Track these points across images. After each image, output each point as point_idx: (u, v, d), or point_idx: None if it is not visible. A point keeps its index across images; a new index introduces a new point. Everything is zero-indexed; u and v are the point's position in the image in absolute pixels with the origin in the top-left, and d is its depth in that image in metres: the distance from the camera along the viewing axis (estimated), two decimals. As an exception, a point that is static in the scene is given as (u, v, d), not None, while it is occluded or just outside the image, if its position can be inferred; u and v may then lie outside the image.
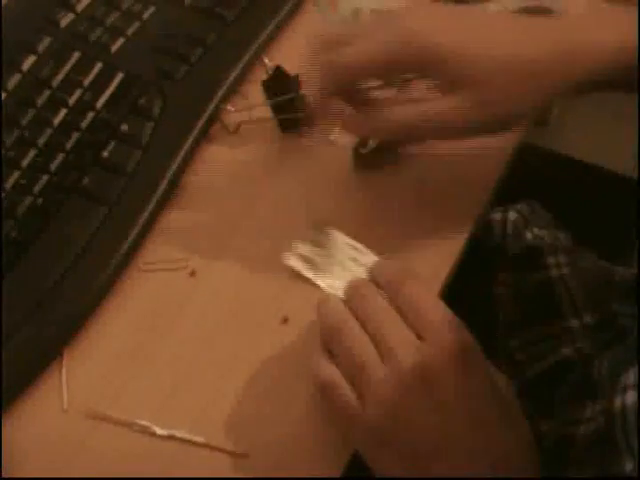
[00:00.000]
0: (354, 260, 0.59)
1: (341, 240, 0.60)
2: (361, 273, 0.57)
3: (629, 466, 0.41)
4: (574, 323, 0.56)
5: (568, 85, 0.52)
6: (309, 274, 0.60)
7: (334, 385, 0.51)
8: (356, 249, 0.60)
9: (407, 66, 0.54)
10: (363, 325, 0.51)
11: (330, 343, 0.52)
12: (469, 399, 0.47)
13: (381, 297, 0.52)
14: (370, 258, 0.59)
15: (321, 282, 0.59)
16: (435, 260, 0.60)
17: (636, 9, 0.53)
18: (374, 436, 0.49)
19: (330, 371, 0.51)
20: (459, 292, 0.58)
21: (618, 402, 0.44)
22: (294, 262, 0.60)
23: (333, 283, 0.59)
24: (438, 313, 0.49)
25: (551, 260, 0.60)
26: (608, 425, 0.44)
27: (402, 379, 0.47)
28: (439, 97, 0.53)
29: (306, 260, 0.60)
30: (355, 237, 0.62)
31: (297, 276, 0.61)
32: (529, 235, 0.62)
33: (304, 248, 0.61)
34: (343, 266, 0.59)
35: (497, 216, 0.67)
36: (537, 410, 0.55)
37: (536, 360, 0.57)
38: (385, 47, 0.53)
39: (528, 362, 0.57)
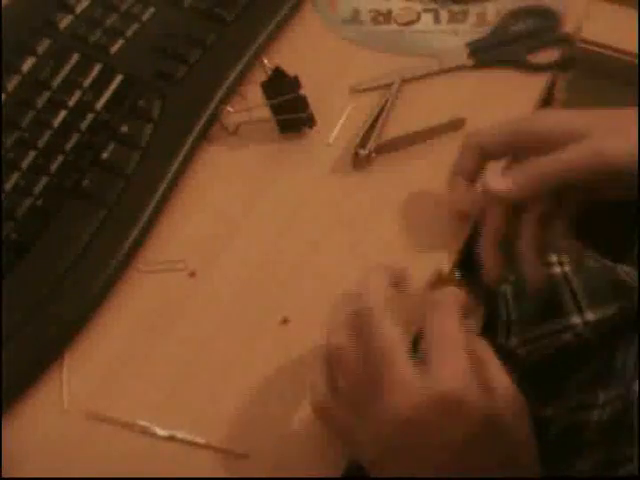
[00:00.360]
0: None
1: None
2: None
3: None
4: (576, 320, 0.56)
5: None
6: None
7: (328, 411, 0.51)
8: None
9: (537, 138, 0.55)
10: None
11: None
12: (447, 451, 0.46)
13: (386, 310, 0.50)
14: None
15: None
16: (435, 259, 0.60)
17: None
18: (373, 456, 0.49)
19: (323, 397, 0.51)
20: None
21: (636, 388, 0.44)
22: None
23: None
24: (454, 359, 0.47)
25: (553, 258, 0.59)
26: (624, 410, 0.44)
27: (392, 420, 0.47)
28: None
29: None
30: (355, 237, 0.63)
31: (296, 276, 0.62)
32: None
33: None
34: None
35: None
36: (539, 396, 0.55)
37: (537, 352, 0.57)
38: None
39: (528, 355, 0.57)
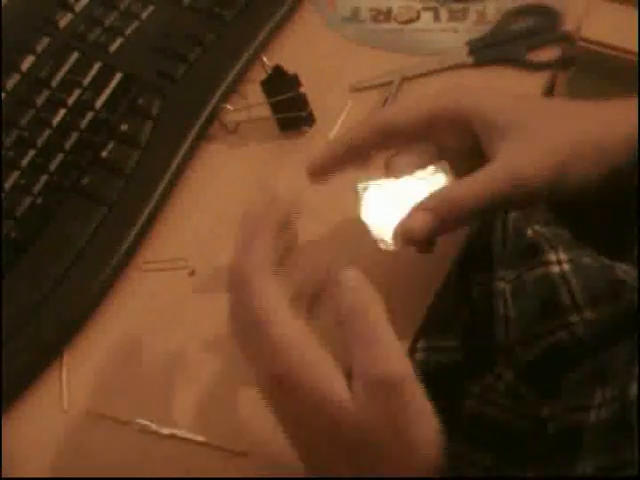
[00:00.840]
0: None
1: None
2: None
3: None
4: (574, 319, 0.56)
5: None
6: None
7: None
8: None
9: (450, 115, 0.51)
10: None
11: None
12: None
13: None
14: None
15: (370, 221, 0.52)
16: (435, 256, 0.60)
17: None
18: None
19: None
20: (459, 289, 0.58)
21: (634, 389, 0.44)
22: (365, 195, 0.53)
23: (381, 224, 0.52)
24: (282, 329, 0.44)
25: (552, 257, 0.59)
26: (623, 412, 0.44)
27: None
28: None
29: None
30: (355, 237, 0.62)
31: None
32: (530, 232, 0.62)
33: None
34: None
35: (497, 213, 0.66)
36: (537, 395, 0.55)
37: (535, 350, 0.57)
38: (429, 97, 0.52)
39: (526, 354, 0.57)
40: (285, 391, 0.44)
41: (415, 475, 0.42)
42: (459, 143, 0.53)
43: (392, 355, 0.42)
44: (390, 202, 0.52)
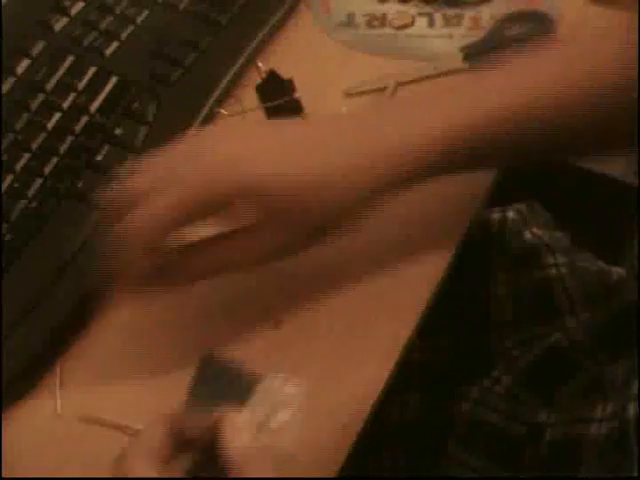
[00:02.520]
0: None
1: None
2: None
3: None
4: (570, 321, 0.57)
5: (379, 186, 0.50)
6: None
7: None
8: None
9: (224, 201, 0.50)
10: None
11: None
12: None
13: None
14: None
15: None
16: (431, 259, 0.60)
17: None
18: None
19: None
20: (456, 292, 0.58)
21: (632, 409, 0.44)
22: None
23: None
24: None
25: (549, 260, 0.60)
26: (622, 430, 0.44)
27: None
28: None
29: None
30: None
31: (291, 275, 0.62)
32: (528, 234, 0.62)
33: None
34: None
35: (495, 216, 0.67)
36: (533, 400, 0.55)
37: (531, 353, 0.57)
38: (197, 186, 0.49)
39: (522, 356, 0.57)
40: None
41: None
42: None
43: None
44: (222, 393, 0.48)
